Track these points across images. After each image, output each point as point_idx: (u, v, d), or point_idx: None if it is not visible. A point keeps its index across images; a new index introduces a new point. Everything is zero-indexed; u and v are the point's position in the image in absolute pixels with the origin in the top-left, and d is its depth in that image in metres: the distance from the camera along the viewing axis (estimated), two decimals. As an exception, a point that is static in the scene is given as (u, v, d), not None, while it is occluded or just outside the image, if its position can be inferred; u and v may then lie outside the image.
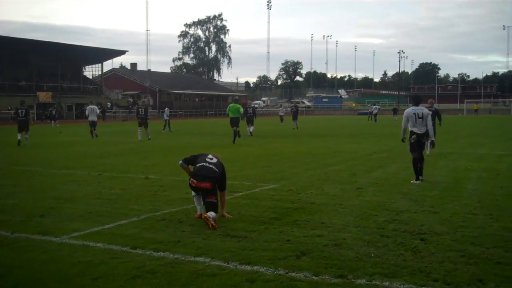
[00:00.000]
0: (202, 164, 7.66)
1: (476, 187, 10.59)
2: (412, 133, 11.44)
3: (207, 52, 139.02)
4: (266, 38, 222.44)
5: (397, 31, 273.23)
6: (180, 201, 9.11)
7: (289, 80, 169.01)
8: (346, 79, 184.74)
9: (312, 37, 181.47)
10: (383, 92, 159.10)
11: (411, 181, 11.15)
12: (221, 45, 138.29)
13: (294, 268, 5.37)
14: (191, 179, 7.51)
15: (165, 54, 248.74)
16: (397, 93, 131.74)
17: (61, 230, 7.07)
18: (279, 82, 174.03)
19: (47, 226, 7.33)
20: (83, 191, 10.36)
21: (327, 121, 58.77)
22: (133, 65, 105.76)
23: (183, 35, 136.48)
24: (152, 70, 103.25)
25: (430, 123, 11.50)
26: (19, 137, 22.50)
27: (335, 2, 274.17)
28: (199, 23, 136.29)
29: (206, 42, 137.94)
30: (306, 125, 40.46)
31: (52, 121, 48.60)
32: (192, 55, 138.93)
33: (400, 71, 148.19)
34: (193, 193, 7.80)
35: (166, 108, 39.13)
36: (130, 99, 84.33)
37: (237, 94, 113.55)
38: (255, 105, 69.38)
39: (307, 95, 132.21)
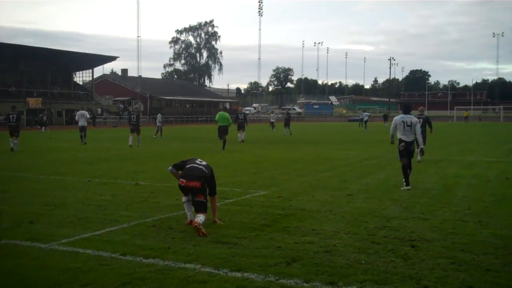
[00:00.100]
0: (191, 165, 7.76)
1: (466, 194, 10.63)
2: (400, 140, 11.55)
3: (198, 58, 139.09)
4: (257, 44, 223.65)
5: (387, 38, 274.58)
6: (171, 207, 9.08)
7: (280, 87, 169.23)
8: (337, 86, 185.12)
9: (303, 43, 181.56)
10: (373, 98, 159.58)
11: (401, 188, 11.18)
12: (212, 51, 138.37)
13: (284, 275, 5.36)
14: (181, 179, 7.54)
15: (156, 60, 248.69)
16: (387, 100, 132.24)
17: (50, 236, 7.02)
18: (270, 88, 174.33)
19: (36, 232, 7.28)
20: (73, 197, 10.30)
21: (318, 127, 58.87)
22: (124, 71, 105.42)
23: (174, 41, 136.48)
24: (143, 76, 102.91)
25: (419, 131, 11.63)
26: (11, 145, 22.40)
27: (326, 9, 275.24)
28: (190, 29, 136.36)
29: (197, 48, 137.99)
30: (297, 132, 40.50)
31: (43, 127, 48.33)
32: (183, 61, 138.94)
33: (391, 78, 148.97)
34: (183, 199, 7.79)
35: (159, 114, 38.16)
36: (120, 105, 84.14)
37: (228, 100, 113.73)
38: (246, 112, 69.54)
39: (298, 101, 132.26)
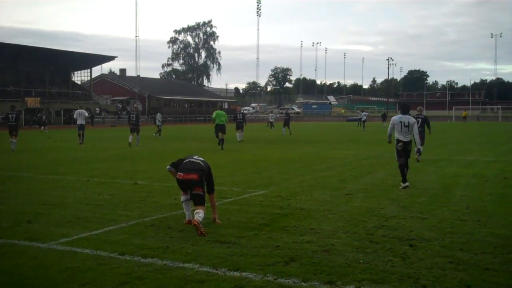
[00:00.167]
0: (189, 159, 7.80)
1: (465, 193, 10.64)
2: (398, 140, 11.61)
3: (196, 58, 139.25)
4: (256, 44, 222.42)
5: (386, 39, 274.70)
6: (169, 207, 9.07)
7: (278, 87, 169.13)
8: (335, 86, 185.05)
9: (301, 44, 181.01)
10: (372, 98, 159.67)
11: (400, 187, 11.19)
12: (211, 51, 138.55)
13: (283, 274, 5.36)
14: (179, 173, 7.56)
15: (154, 60, 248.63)
16: (386, 99, 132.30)
17: (49, 236, 7.01)
18: (269, 88, 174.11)
19: (34, 231, 7.27)
20: (71, 196, 10.29)
21: (316, 127, 58.88)
22: (122, 70, 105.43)
23: (173, 41, 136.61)
24: (141, 76, 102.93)
25: (416, 131, 11.69)
26: (12, 146, 22.36)
27: (325, 9, 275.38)
28: (189, 29, 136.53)
29: (196, 48, 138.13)
30: (296, 132, 40.50)
31: (42, 127, 48.33)
32: (181, 61, 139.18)
33: (389, 78, 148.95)
34: (182, 198, 7.79)
35: (158, 114, 38.08)
36: (119, 105, 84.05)
37: (227, 100, 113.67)
38: (245, 111, 69.56)
39: (297, 101, 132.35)
